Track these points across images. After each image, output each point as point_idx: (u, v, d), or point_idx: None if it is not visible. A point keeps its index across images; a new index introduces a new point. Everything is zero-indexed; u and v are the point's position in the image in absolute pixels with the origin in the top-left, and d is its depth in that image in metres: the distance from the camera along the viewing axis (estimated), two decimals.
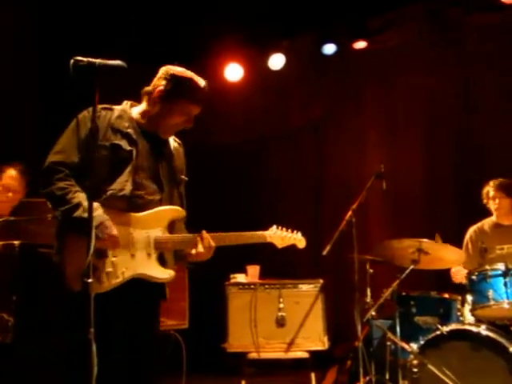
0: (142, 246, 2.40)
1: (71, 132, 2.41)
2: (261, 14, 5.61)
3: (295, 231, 2.77)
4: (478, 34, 5.55)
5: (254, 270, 4.80)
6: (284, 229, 2.73)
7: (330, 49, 5.85)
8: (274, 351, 4.56)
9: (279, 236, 2.68)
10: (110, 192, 2.34)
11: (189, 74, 2.51)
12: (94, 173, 2.20)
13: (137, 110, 2.55)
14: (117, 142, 2.40)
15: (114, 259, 2.34)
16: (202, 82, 2.51)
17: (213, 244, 2.46)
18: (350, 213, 3.90)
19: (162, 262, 2.45)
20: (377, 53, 5.80)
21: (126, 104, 2.57)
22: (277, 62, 5.96)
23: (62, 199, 2.30)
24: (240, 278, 4.77)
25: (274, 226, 2.69)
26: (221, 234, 2.52)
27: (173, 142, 2.65)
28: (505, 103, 5.27)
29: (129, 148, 2.42)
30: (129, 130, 2.46)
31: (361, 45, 5.82)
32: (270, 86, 6.14)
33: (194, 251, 2.46)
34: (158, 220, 2.45)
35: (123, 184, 2.37)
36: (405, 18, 5.70)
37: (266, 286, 4.64)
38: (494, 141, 4.95)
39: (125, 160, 2.40)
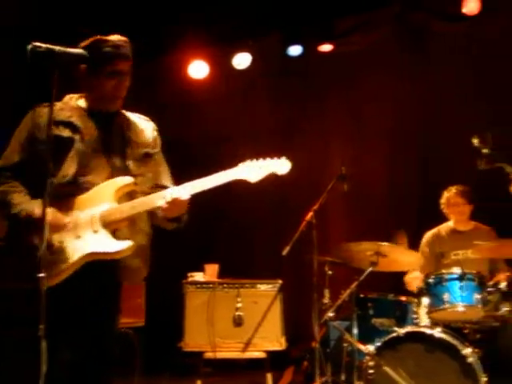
0: (86, 225, 2.33)
1: (16, 133, 2.45)
2: (228, 13, 5.59)
3: (274, 158, 2.43)
4: (441, 41, 5.65)
5: (212, 269, 4.77)
6: (259, 159, 2.43)
7: (295, 50, 5.86)
8: (230, 351, 4.53)
9: (254, 167, 2.39)
10: (56, 181, 2.31)
11: (98, 37, 2.44)
12: (39, 168, 2.16)
13: (81, 99, 2.53)
14: (57, 133, 2.36)
15: (59, 245, 2.29)
16: (114, 37, 2.43)
17: (177, 196, 2.33)
18: (310, 214, 3.91)
19: (118, 235, 2.35)
20: (342, 56, 5.84)
21: (68, 97, 2.54)
22: (242, 61, 5.93)
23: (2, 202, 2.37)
24: (198, 276, 4.74)
25: (247, 161, 2.42)
26: (191, 183, 2.38)
27: (135, 117, 2.60)
28: (465, 108, 5.37)
29: (68, 135, 2.39)
30: (71, 119, 2.43)
31: (326, 47, 5.84)
32: (234, 85, 6.12)
33: (160, 210, 2.37)
34: (102, 196, 2.37)
35: (66, 170, 2.35)
36: (371, 22, 5.74)
37: (225, 286, 4.61)
38: (456, 145, 5.01)
39: (65, 148, 2.37)
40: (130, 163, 2.48)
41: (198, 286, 4.62)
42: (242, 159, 2.39)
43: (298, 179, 5.71)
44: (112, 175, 2.42)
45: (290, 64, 6.05)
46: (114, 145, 2.47)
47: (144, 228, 2.49)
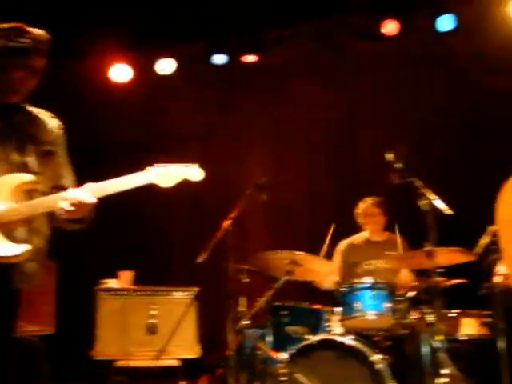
0: None
1: None
2: (153, 17, 5.54)
3: (188, 164, 2.37)
4: (362, 58, 5.84)
5: (126, 276, 4.69)
6: (171, 164, 2.35)
7: (220, 59, 5.88)
8: (143, 359, 4.45)
9: (165, 173, 2.32)
10: None
11: (20, 24, 2.34)
12: None
13: None
14: None
15: None
16: (36, 30, 2.35)
17: (81, 199, 2.22)
18: (227, 221, 3.91)
19: (14, 237, 2.21)
20: (267, 67, 5.91)
21: None
22: (166, 66, 5.88)
23: None
24: (112, 283, 4.64)
25: (157, 166, 2.33)
26: (96, 185, 2.28)
27: (39, 112, 2.48)
28: (382, 123, 5.56)
29: None
30: None
31: (251, 58, 5.90)
32: (157, 91, 6.05)
33: (61, 212, 2.24)
34: None
35: None
36: (296, 36, 5.87)
37: (139, 293, 4.54)
38: (371, 158, 5.17)
39: None
40: (30, 160, 2.35)
41: (112, 292, 4.52)
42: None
43: (218, 187, 5.76)
44: (9, 171, 2.28)
45: (215, 72, 6.06)
46: (13, 139, 2.34)
47: (42, 229, 2.36)
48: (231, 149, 6.03)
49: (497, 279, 2.12)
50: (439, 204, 3.68)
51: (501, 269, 2.10)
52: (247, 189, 4.09)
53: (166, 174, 2.31)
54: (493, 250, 3.52)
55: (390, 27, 5.69)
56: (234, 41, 5.82)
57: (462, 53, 5.39)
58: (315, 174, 5.83)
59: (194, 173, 2.36)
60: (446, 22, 5.61)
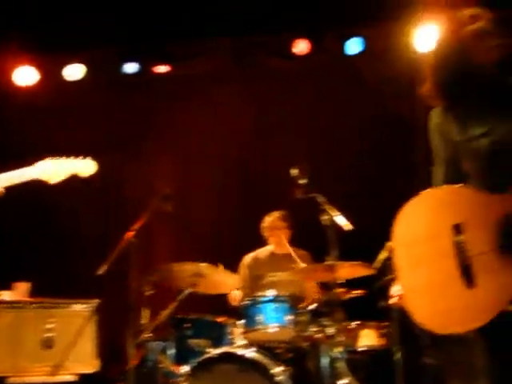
0: None
1: None
2: (64, 22, 5.39)
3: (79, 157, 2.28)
4: (274, 75, 5.96)
5: (22, 288, 4.47)
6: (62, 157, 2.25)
7: (131, 67, 5.80)
8: (38, 375, 4.25)
9: (54, 166, 2.23)
10: None
11: None
12: None
13: None
14: None
15: None
16: None
17: None
18: (130, 232, 3.85)
19: None
20: (178, 79, 5.90)
21: None
22: (74, 72, 5.73)
23: None
24: (5, 295, 4.41)
25: (48, 159, 2.24)
26: None
27: None
28: (290, 139, 5.68)
29: None
30: None
31: (163, 68, 5.86)
32: (64, 96, 5.88)
33: None
34: None
35: None
36: (210, 50, 5.90)
37: (35, 305, 4.34)
38: (278, 173, 5.26)
39: None
40: None
41: (4, 305, 4.29)
42: None
43: (125, 197, 5.66)
44: None
45: (126, 80, 5.97)
46: None
47: None
48: (139, 159, 5.94)
49: (392, 300, 2.20)
50: (340, 219, 3.82)
51: (395, 290, 2.18)
52: (152, 199, 4.04)
53: (54, 169, 2.21)
54: (390, 265, 3.67)
55: (301, 47, 5.85)
56: (145, 50, 5.76)
57: (368, 76, 5.62)
58: (223, 186, 5.86)
59: (86, 166, 2.29)
60: (354, 45, 5.85)
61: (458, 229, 1.96)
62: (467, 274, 1.92)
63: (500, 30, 2.02)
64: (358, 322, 4.26)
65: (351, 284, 4.18)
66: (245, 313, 3.92)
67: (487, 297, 1.88)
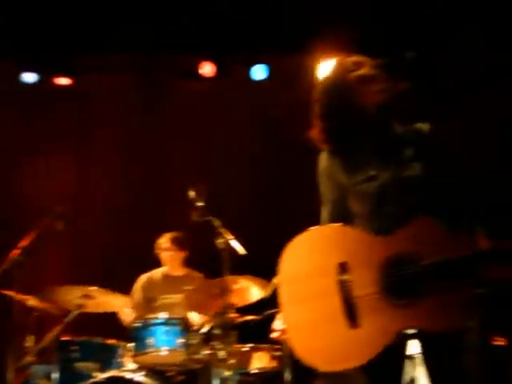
0: None
1: None
2: None
3: None
4: (177, 96, 5.95)
5: None
6: None
7: (30, 77, 5.60)
8: None
9: None
10: None
11: None
12: None
13: None
14: None
15: None
16: None
17: None
18: (16, 251, 3.70)
19: None
20: (79, 93, 5.76)
21: None
22: None
23: None
24: None
25: None
26: None
27: None
28: (193, 160, 5.68)
29: None
30: None
31: (64, 81, 5.71)
32: None
33: None
34: None
35: None
36: (114, 65, 5.81)
37: None
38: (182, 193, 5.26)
39: None
40: None
41: None
42: None
43: (15, 216, 5.41)
44: None
45: (25, 91, 5.75)
46: None
47: None
48: (34, 172, 5.73)
49: (274, 335, 2.22)
50: (234, 244, 3.88)
51: (278, 324, 2.19)
52: (43, 217, 3.91)
53: None
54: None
55: (208, 69, 5.92)
56: (46, 61, 5.59)
57: (271, 102, 5.75)
58: (119, 206, 5.73)
59: None
60: (259, 71, 5.99)
61: (343, 267, 1.99)
62: (350, 313, 1.94)
63: (382, 75, 2.09)
64: (251, 345, 4.30)
65: (245, 308, 4.24)
66: (135, 335, 3.86)
67: (368, 338, 1.92)
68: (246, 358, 4.27)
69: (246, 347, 4.27)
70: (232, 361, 3.99)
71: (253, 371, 4.26)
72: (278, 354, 4.27)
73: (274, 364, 4.29)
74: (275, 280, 3.67)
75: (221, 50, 5.85)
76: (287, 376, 4.07)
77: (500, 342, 4.41)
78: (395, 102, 2.11)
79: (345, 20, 5.10)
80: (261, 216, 5.48)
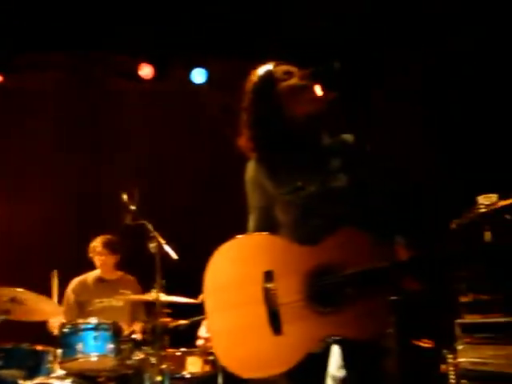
0: None
1: None
2: None
3: None
4: (115, 96, 5.88)
5: None
6: None
7: None
8: None
9: None
10: None
11: None
12: None
13: None
14: None
15: None
16: None
17: None
18: None
19: None
20: (11, 91, 5.59)
21: None
22: None
23: None
24: None
25: None
26: None
27: None
28: (128, 162, 5.63)
29: None
30: None
31: None
32: None
33: None
34: None
35: None
36: (50, 64, 5.68)
37: None
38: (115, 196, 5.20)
39: None
40: None
41: None
42: None
43: None
44: None
45: None
46: None
47: None
48: None
49: (199, 342, 2.23)
50: (167, 248, 3.87)
51: (203, 331, 2.21)
52: None
53: None
54: None
55: (146, 71, 5.88)
56: None
57: (211, 106, 5.76)
58: (53, 208, 5.60)
59: None
60: (198, 75, 6.00)
61: (269, 276, 1.99)
62: (275, 321, 1.96)
63: (312, 85, 2.09)
64: (184, 350, 4.30)
65: (179, 312, 4.23)
66: (64, 341, 3.79)
67: (291, 344, 1.94)
68: (179, 363, 4.26)
69: (179, 352, 4.27)
70: (165, 365, 3.99)
71: (186, 376, 4.26)
72: (211, 358, 4.30)
73: (207, 368, 4.31)
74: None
75: (160, 53, 5.83)
76: (220, 380, 4.10)
77: (428, 344, 4.59)
78: (324, 112, 2.13)
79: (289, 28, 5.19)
80: (195, 220, 5.48)
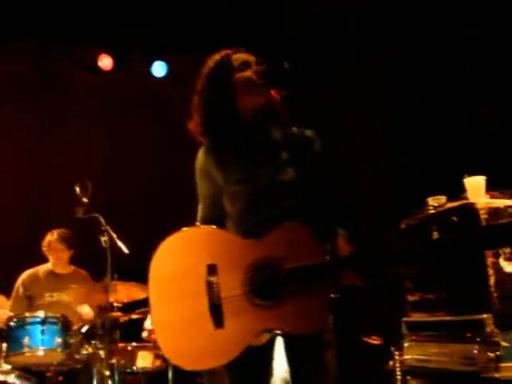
0: None
1: None
2: None
3: None
4: (73, 87, 5.78)
5: None
6: None
7: None
8: None
9: None
10: None
11: None
12: None
13: None
14: None
15: None
16: None
17: None
18: None
19: None
20: None
21: None
22: None
23: None
24: None
25: None
26: None
27: None
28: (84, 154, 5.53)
29: None
30: None
31: None
32: None
33: None
34: None
35: None
36: (6, 51, 5.55)
37: None
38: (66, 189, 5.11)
39: None
40: None
41: None
42: None
43: None
44: None
45: None
46: None
47: None
48: None
49: (144, 334, 2.21)
50: (119, 242, 3.83)
51: (147, 324, 2.18)
52: None
53: None
54: None
55: (106, 62, 5.81)
56: None
57: (171, 99, 5.71)
58: (7, 196, 5.46)
59: None
60: (159, 68, 5.96)
61: (212, 269, 1.99)
62: (216, 314, 1.97)
63: (266, 80, 2.09)
64: (135, 344, 4.26)
65: (130, 306, 4.19)
66: (10, 335, 3.71)
67: (232, 337, 1.95)
68: (129, 357, 4.23)
69: (130, 346, 4.23)
70: (114, 360, 3.95)
71: (136, 370, 4.23)
72: (162, 352, 4.27)
73: (158, 363, 4.30)
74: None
75: (120, 44, 5.77)
76: (170, 375, 4.10)
77: (376, 341, 4.67)
78: (275, 107, 2.13)
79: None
80: (150, 214, 5.43)
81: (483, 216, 2.75)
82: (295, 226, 2.00)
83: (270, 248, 1.98)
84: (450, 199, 3.12)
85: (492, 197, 2.93)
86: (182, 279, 2.02)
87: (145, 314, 3.66)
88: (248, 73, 2.15)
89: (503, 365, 2.57)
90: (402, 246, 1.99)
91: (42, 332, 3.71)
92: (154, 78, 5.95)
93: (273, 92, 2.12)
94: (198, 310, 1.98)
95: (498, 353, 2.58)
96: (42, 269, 4.59)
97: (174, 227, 2.10)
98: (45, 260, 4.63)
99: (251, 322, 1.96)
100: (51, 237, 4.53)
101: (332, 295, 1.94)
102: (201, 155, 2.20)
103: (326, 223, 2.04)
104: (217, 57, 2.21)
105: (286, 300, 1.95)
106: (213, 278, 1.99)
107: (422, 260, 2.45)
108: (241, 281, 1.97)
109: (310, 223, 2.00)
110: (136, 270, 3.96)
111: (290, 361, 2.08)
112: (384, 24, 5.20)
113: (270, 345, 2.06)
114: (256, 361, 2.03)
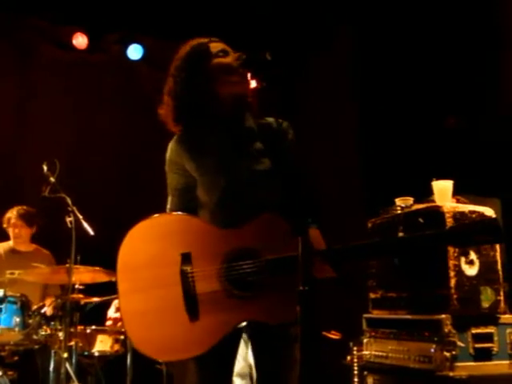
0: None
1: None
2: None
3: None
4: (47, 64, 5.67)
5: None
6: None
7: None
8: None
9: None
10: None
11: None
12: None
13: None
14: None
15: None
16: None
17: None
18: None
19: None
20: None
21: None
22: None
23: None
24: None
25: None
26: None
27: None
28: (53, 133, 5.43)
29: None
30: None
31: None
32: None
33: None
34: None
35: None
36: None
37: None
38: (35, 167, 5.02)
39: None
40: None
41: None
42: None
43: None
44: None
45: None
46: None
47: None
48: None
49: (108, 323, 2.13)
50: (84, 223, 3.79)
51: (111, 312, 2.10)
52: None
53: None
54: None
55: (80, 40, 5.72)
56: None
57: (146, 81, 5.65)
58: None
59: None
60: (134, 51, 5.89)
61: (186, 258, 1.94)
62: (191, 303, 1.91)
63: (244, 69, 2.06)
64: (94, 327, 4.22)
65: (92, 289, 4.15)
66: None
67: (207, 329, 1.90)
68: (88, 340, 4.19)
69: (89, 329, 4.19)
70: (73, 342, 3.91)
71: (94, 354, 4.20)
72: (121, 337, 4.26)
73: (117, 347, 4.27)
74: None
75: (96, 24, 5.67)
76: (129, 360, 4.07)
77: (336, 336, 4.74)
78: (250, 97, 2.11)
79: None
80: (119, 197, 5.36)
81: (448, 219, 2.80)
82: (273, 217, 1.97)
83: (247, 238, 1.95)
84: (417, 201, 3.17)
85: (458, 201, 3.00)
86: (154, 267, 1.95)
87: (108, 301, 3.62)
88: (228, 59, 2.11)
89: (458, 364, 2.64)
90: (373, 241, 2.00)
91: (0, 310, 3.65)
92: (130, 60, 5.89)
93: (253, 81, 2.10)
94: (171, 299, 1.93)
95: (453, 352, 2.64)
96: (3, 246, 4.51)
97: (144, 213, 2.03)
98: (7, 237, 4.56)
99: (227, 313, 1.92)
100: (11, 213, 4.46)
101: (301, 287, 1.94)
102: (172, 146, 2.15)
103: (297, 215, 2.03)
104: (194, 42, 2.17)
105: (261, 292, 1.91)
106: (187, 267, 1.93)
107: (392, 254, 2.49)
108: (217, 271, 1.93)
109: (284, 214, 1.97)
110: (101, 254, 3.99)
111: (256, 351, 2.06)
112: (347, 18, 5.21)
113: (236, 337, 2.03)
114: (222, 352, 1.99)
